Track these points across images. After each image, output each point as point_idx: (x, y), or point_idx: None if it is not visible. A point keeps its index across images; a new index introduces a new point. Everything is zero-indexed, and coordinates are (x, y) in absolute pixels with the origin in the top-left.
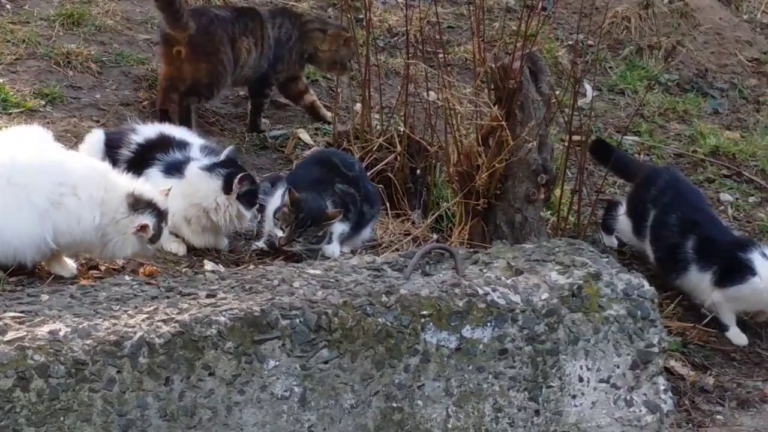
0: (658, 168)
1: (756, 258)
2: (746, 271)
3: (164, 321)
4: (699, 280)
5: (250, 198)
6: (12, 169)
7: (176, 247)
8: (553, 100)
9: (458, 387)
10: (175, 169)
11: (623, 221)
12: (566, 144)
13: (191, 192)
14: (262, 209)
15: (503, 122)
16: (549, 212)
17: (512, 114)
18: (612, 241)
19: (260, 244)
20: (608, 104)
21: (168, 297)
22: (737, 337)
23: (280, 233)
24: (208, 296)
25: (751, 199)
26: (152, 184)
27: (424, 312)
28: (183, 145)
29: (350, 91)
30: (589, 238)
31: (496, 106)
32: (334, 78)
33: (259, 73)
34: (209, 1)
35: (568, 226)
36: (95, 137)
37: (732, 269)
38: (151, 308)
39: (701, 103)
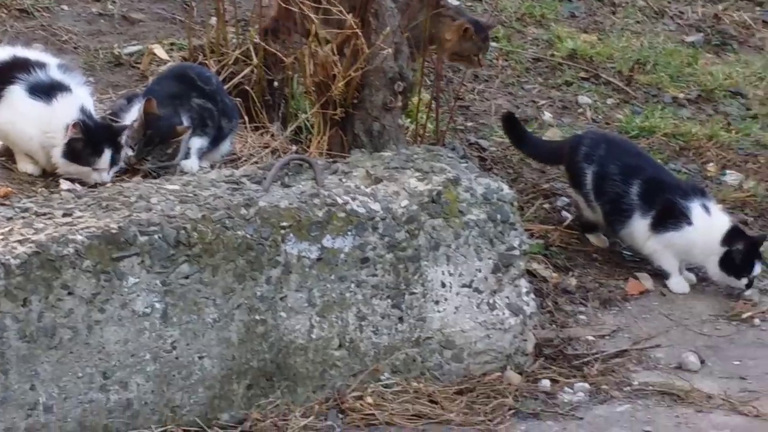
0: (580, 133)
1: (695, 207)
2: (682, 218)
3: (20, 242)
4: (641, 226)
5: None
6: None
7: (31, 168)
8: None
9: (321, 297)
10: (41, 91)
11: (577, 198)
12: (423, 51)
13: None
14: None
15: (358, 30)
16: (408, 120)
17: (367, 22)
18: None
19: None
20: (466, 10)
21: (23, 217)
22: (677, 285)
23: (130, 152)
24: (64, 215)
25: (609, 101)
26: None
27: (284, 223)
28: (41, 65)
29: (205, 5)
30: (450, 145)
31: (351, 15)
32: None
33: None
34: None
35: (427, 133)
36: None
37: (669, 215)
38: (6, 229)
39: (558, 7)
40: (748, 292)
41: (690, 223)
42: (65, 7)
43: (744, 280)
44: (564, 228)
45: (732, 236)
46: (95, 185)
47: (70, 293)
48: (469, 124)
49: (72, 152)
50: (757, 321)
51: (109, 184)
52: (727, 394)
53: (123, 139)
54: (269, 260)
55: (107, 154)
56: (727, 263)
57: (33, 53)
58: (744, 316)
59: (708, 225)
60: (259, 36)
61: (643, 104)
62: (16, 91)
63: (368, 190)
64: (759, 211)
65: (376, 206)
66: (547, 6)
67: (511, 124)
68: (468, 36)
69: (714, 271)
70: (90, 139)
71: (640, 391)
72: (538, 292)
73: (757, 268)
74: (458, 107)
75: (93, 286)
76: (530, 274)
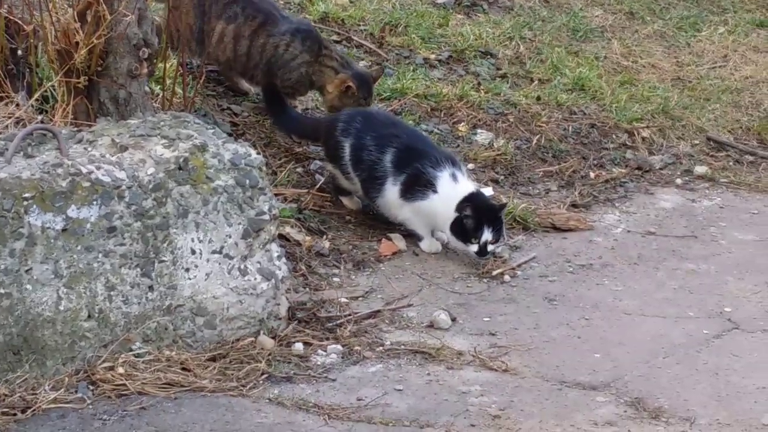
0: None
1: (443, 176)
2: (429, 187)
3: None
4: (393, 194)
5: None
6: None
7: None
8: None
9: (68, 268)
10: None
11: (335, 171)
12: (168, 17)
13: None
14: None
15: None
16: (158, 87)
17: None
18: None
19: None
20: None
21: None
22: (430, 246)
23: None
24: None
25: (361, 63)
26: None
27: (27, 194)
28: None
29: None
30: (201, 111)
31: None
32: None
33: None
34: None
35: (178, 100)
36: None
37: (416, 184)
38: None
39: None
40: (499, 248)
41: (435, 192)
42: None
43: (473, 246)
44: (317, 191)
45: (464, 202)
46: None
47: None
48: (221, 89)
49: None
50: (507, 277)
51: None
52: (477, 350)
53: None
54: (12, 232)
55: None
56: (456, 228)
57: None
58: (495, 273)
59: (452, 193)
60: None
61: (395, 66)
62: None
63: (114, 158)
64: (509, 169)
65: (122, 175)
66: None
67: (272, 98)
68: (350, 93)
69: (448, 235)
70: None
71: (392, 351)
72: (291, 256)
73: (488, 235)
74: (209, 72)
75: None
76: (283, 238)
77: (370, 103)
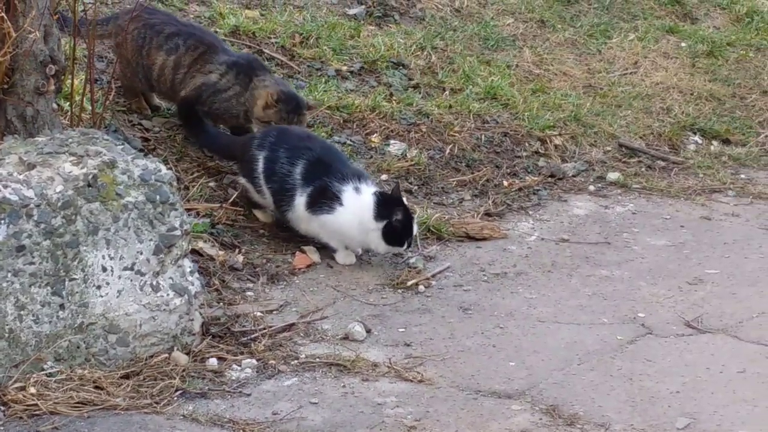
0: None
1: (347, 190)
2: (335, 201)
3: None
4: (302, 208)
5: None
6: None
7: None
8: None
9: None
10: None
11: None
12: (73, 33)
13: None
14: None
15: (2, 14)
16: (67, 103)
17: (12, 5)
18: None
19: None
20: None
21: None
22: (345, 258)
23: None
24: None
25: (276, 75)
26: None
27: None
28: None
29: None
30: (111, 127)
31: None
32: None
33: None
34: None
35: (87, 116)
36: None
37: (323, 197)
38: None
39: None
40: (413, 259)
41: (342, 205)
42: None
43: (404, 245)
44: (230, 205)
45: (391, 207)
46: None
47: None
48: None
49: None
50: (421, 288)
51: None
52: (392, 361)
53: None
54: None
55: None
56: (389, 234)
57: None
58: (409, 283)
59: (358, 205)
60: None
61: (307, 78)
62: None
63: (21, 177)
64: (423, 179)
65: (29, 193)
66: None
67: (189, 114)
68: (270, 104)
69: (378, 244)
70: None
71: (307, 364)
72: (205, 271)
73: (415, 227)
74: (117, 88)
75: None
76: (196, 253)
77: (299, 121)
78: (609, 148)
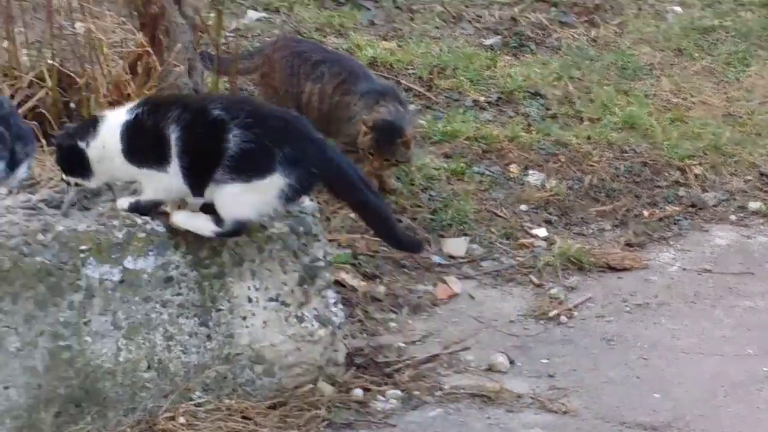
0: None
1: None
2: None
3: None
4: None
5: None
6: None
7: None
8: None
9: (126, 319)
10: None
11: None
12: (216, 67)
13: None
14: None
15: (149, 48)
16: None
17: (157, 40)
18: None
19: None
20: (264, 23)
21: None
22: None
23: None
24: None
25: (411, 107)
26: None
27: (84, 247)
28: None
29: None
30: None
31: (141, 33)
32: None
33: None
34: None
35: None
36: None
37: None
38: None
39: (356, 16)
40: (554, 290)
41: None
42: None
43: None
44: (371, 236)
45: None
46: None
47: None
48: None
49: None
50: (563, 319)
51: None
52: (536, 392)
53: None
54: (70, 285)
55: None
56: None
57: None
58: (551, 314)
59: None
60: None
61: (445, 109)
62: None
63: (167, 208)
64: (562, 210)
65: None
66: (345, 15)
67: None
68: (366, 130)
69: None
70: None
71: (451, 395)
72: (347, 302)
73: None
74: None
75: None
76: (339, 284)
77: (389, 151)
78: (750, 177)
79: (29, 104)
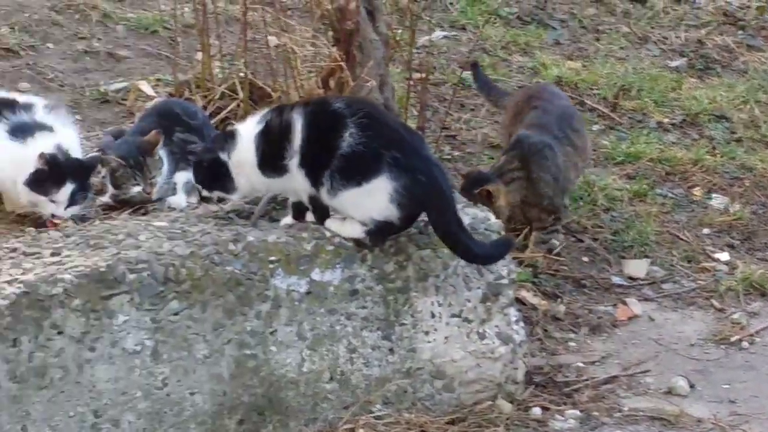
0: None
1: None
2: None
3: (8, 282)
4: None
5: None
6: None
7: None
8: (391, 39)
9: (311, 330)
10: (20, 132)
11: None
12: (408, 82)
13: None
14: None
15: (342, 63)
16: None
17: (351, 55)
18: None
19: (105, 198)
20: (450, 40)
21: (11, 258)
22: None
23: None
24: (52, 254)
25: (595, 128)
26: None
27: (273, 258)
28: (27, 106)
29: (191, 40)
30: None
31: (335, 48)
32: (175, 30)
33: None
34: None
35: None
36: None
37: None
38: None
39: (542, 35)
40: (736, 314)
41: None
42: (51, 46)
43: None
44: (553, 255)
45: None
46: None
47: (59, 333)
48: (456, 153)
49: (34, 181)
50: (745, 344)
51: (97, 222)
52: (717, 417)
53: (93, 176)
54: (258, 295)
55: (68, 188)
56: None
57: (19, 95)
58: (732, 339)
59: None
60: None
61: (629, 130)
62: None
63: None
64: (745, 234)
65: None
66: (531, 34)
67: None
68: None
69: None
70: (54, 172)
71: (630, 417)
72: (528, 320)
73: None
74: (445, 137)
75: (82, 324)
76: (519, 302)
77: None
78: None
79: (221, 115)
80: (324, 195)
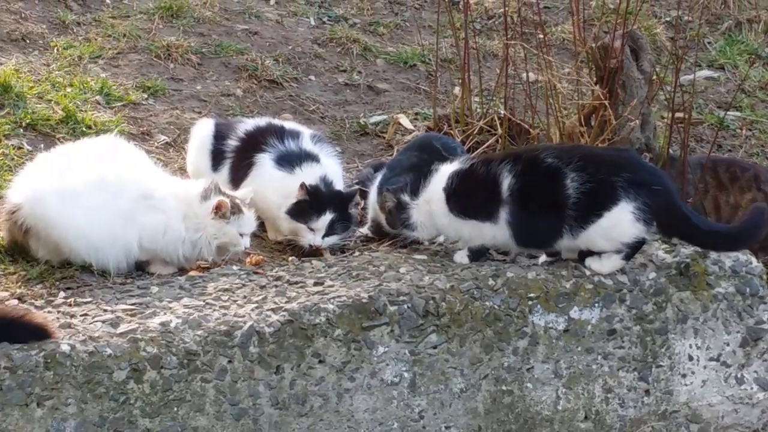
0: None
1: None
2: None
3: (273, 310)
4: None
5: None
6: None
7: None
8: (654, 78)
9: (567, 368)
10: (287, 161)
11: None
12: (669, 122)
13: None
14: (365, 195)
15: (606, 101)
16: None
17: (614, 93)
18: None
19: (365, 230)
20: (708, 81)
21: (276, 286)
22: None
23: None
24: (315, 284)
25: None
26: (261, 170)
27: (532, 294)
28: (294, 134)
29: (449, 74)
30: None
31: (598, 86)
32: (433, 64)
33: None
34: None
35: None
36: (205, 127)
37: None
38: (260, 297)
39: None
40: None
41: None
42: (313, 78)
43: None
44: None
45: None
46: (344, 252)
47: (321, 361)
48: None
49: (295, 210)
50: None
51: (356, 253)
52: None
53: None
54: (516, 331)
55: (327, 217)
56: None
57: (287, 123)
58: None
59: None
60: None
61: None
62: (264, 160)
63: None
64: None
65: (623, 278)
66: None
67: None
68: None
69: None
70: (315, 202)
71: None
72: None
73: None
74: None
75: (344, 354)
76: None
77: None
78: None
79: (479, 150)
80: (565, 242)
